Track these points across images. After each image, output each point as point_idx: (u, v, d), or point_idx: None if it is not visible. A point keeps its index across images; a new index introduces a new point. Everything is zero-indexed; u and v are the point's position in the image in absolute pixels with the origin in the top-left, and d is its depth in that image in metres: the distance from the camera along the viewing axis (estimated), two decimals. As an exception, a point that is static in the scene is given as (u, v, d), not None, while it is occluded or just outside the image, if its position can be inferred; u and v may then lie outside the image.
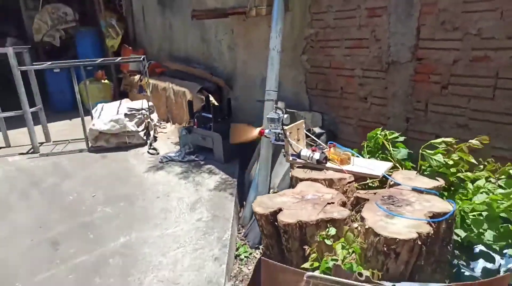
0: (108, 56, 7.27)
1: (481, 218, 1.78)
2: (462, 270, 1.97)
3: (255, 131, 3.41)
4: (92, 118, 5.07)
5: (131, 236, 3.03)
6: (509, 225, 1.82)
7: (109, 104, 5.31)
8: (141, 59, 5.21)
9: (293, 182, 2.23)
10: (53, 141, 5.41)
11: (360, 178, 2.18)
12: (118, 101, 5.28)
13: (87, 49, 7.37)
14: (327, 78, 3.41)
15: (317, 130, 3.34)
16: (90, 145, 4.97)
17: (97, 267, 2.68)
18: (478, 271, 1.96)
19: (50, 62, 5.12)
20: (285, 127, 2.39)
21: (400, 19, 2.69)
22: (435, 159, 2.00)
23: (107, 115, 4.92)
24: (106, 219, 3.30)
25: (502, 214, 1.77)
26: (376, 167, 2.20)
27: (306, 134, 2.58)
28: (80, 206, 3.54)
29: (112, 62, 5.77)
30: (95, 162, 4.64)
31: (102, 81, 6.85)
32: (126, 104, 5.13)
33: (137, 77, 6.35)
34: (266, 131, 2.58)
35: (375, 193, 1.96)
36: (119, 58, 5.82)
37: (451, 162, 2.03)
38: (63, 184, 4.03)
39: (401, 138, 2.53)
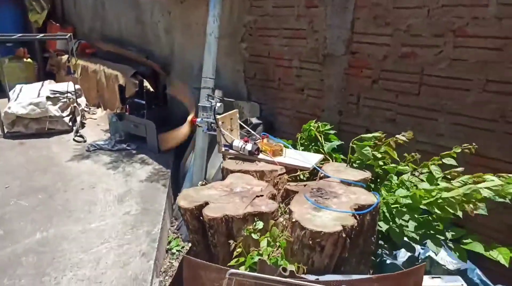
0: (33, 32, 6.55)
1: (404, 209, 1.84)
2: (384, 259, 2.05)
3: (185, 128, 3.25)
4: (9, 101, 4.55)
5: (48, 232, 2.78)
6: (429, 216, 1.91)
7: (29, 85, 4.80)
8: (67, 37, 4.75)
9: (223, 174, 2.14)
10: (-39, 126, 4.78)
11: (291, 170, 2.15)
12: (40, 83, 4.79)
13: (7, 23, 6.60)
14: (265, 67, 3.35)
15: (254, 120, 3.28)
16: (6, 130, 4.48)
17: (7, 267, 2.43)
18: (400, 260, 2.05)
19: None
20: (218, 116, 2.28)
21: (336, 12, 2.70)
22: (362, 152, 2.03)
23: (27, 97, 4.44)
24: (20, 213, 2.99)
25: (423, 207, 1.84)
26: (308, 159, 2.19)
27: (240, 124, 2.49)
28: (-11, 199, 3.17)
29: (33, 39, 5.23)
30: (11, 150, 4.20)
31: (24, 59, 6.19)
32: (49, 86, 4.67)
33: (65, 57, 5.81)
34: (198, 120, 2.46)
35: (305, 185, 1.94)
36: (42, 34, 5.25)
37: (379, 156, 2.08)
38: (-30, 174, 3.58)
39: (333, 131, 2.56)
